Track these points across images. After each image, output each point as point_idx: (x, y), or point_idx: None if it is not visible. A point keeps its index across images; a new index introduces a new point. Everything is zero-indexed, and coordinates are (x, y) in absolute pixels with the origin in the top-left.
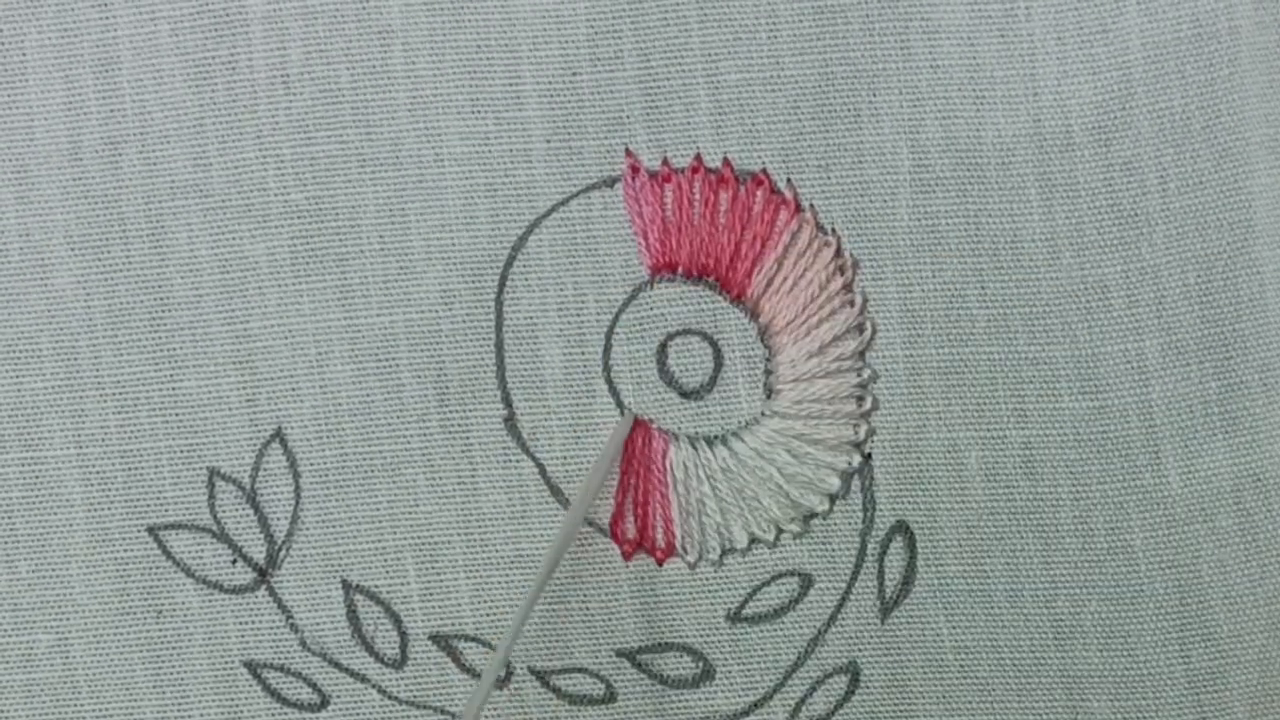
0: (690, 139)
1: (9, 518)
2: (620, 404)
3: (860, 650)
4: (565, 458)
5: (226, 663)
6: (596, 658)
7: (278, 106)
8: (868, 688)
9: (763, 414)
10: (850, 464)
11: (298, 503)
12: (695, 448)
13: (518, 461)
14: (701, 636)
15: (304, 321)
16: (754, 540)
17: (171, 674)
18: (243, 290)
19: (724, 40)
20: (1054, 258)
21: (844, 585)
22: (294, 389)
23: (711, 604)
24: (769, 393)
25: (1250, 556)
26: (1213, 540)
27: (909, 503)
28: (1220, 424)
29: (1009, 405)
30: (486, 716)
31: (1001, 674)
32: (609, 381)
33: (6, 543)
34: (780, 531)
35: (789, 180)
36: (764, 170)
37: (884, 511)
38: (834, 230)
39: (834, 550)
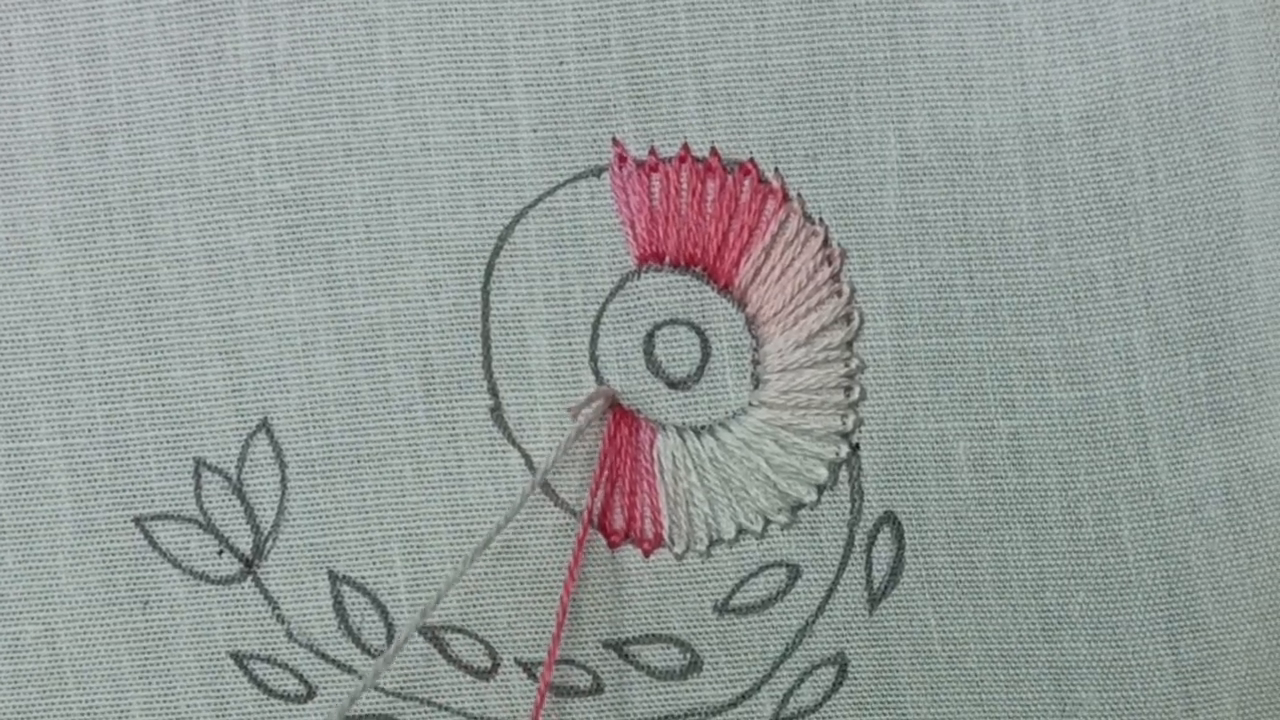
0: (677, 128)
1: None
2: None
3: (848, 641)
4: (552, 448)
5: (213, 654)
6: (583, 649)
7: (264, 96)
8: (855, 679)
9: (750, 404)
10: (838, 454)
11: (284, 493)
12: (683, 438)
13: (504, 452)
14: (689, 628)
15: (290, 311)
16: (741, 531)
17: (158, 665)
18: (229, 280)
19: (711, 29)
20: (1042, 248)
21: (832, 576)
22: (280, 379)
23: (699, 595)
24: (756, 383)
25: (1239, 547)
26: (1201, 531)
27: (897, 493)
28: (1209, 414)
29: (997, 395)
30: (479, 709)
31: (989, 664)
32: (596, 372)
33: None
34: (768, 522)
35: (776, 170)
36: (751, 160)
37: (872, 502)
38: (821, 220)
39: (822, 541)
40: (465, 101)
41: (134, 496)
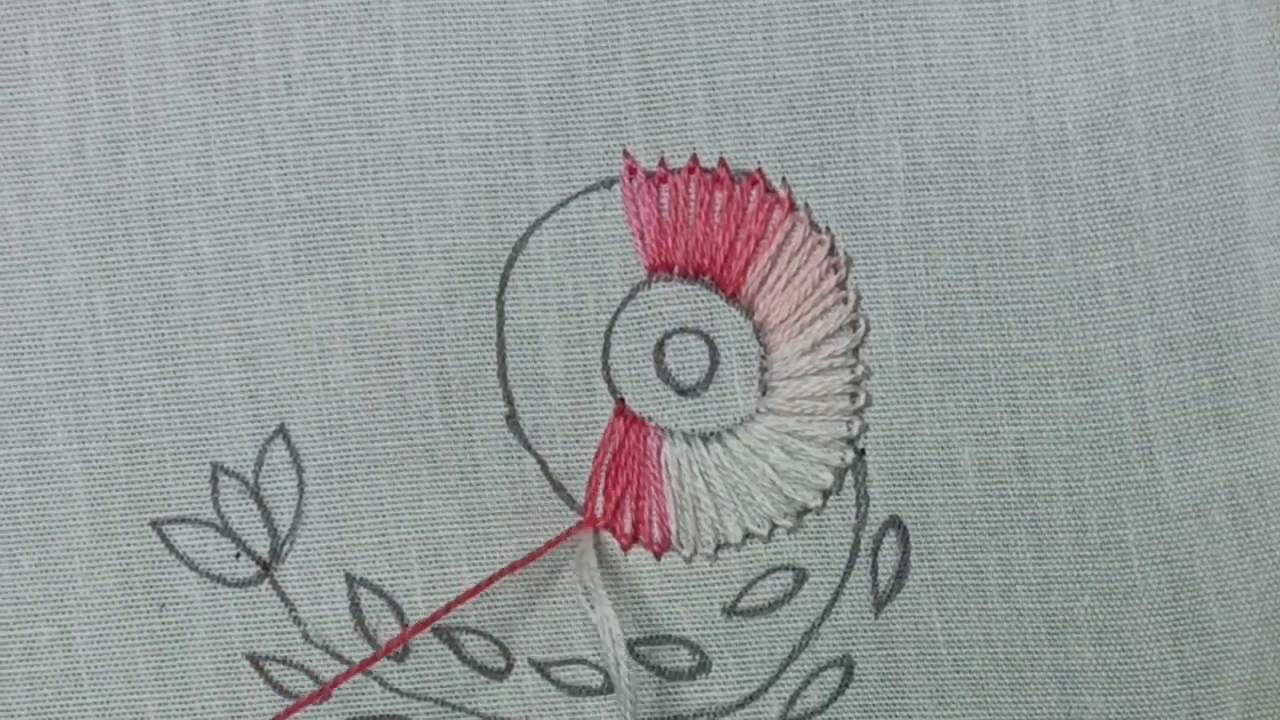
0: (686, 139)
1: (12, 512)
2: (620, 400)
3: (854, 644)
4: (566, 454)
5: (229, 656)
6: (596, 649)
7: (280, 106)
8: (861, 681)
9: (757, 411)
10: (844, 460)
11: (301, 497)
12: (690, 444)
13: (519, 458)
14: (698, 629)
15: (306, 319)
16: (748, 535)
17: (174, 667)
18: (245, 288)
19: (720, 41)
20: (1047, 255)
21: (838, 580)
22: (297, 386)
23: (707, 597)
24: (764, 390)
25: (1244, 552)
26: (1206, 536)
27: (902, 498)
28: (1213, 420)
29: (1002, 401)
30: (493, 709)
31: (995, 668)
32: (608, 379)
33: (9, 537)
34: (774, 527)
35: (784, 179)
36: (759, 170)
37: (877, 507)
38: (828, 228)
39: (828, 545)
40: (479, 114)
41: (151, 500)
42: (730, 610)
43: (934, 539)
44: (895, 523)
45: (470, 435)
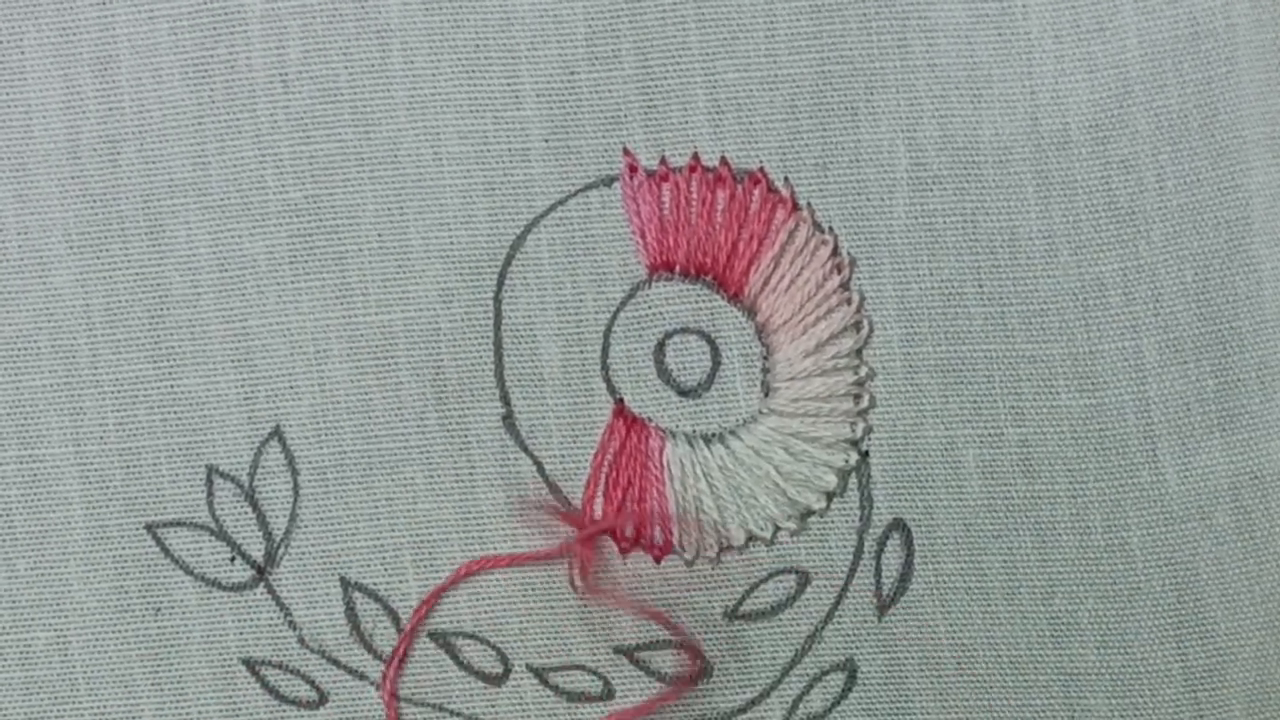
0: (688, 138)
1: (7, 516)
2: (618, 400)
3: (857, 648)
4: (563, 455)
5: (225, 660)
6: (594, 655)
7: (276, 105)
8: (865, 685)
9: (760, 412)
10: (847, 462)
11: (296, 500)
12: (692, 445)
13: (516, 459)
14: (699, 633)
15: (302, 320)
16: (751, 538)
17: (170, 672)
18: (241, 288)
19: (721, 39)
20: (1051, 256)
21: (841, 583)
22: (292, 387)
23: (709, 601)
24: (766, 391)
25: (1248, 554)
26: (1210, 538)
27: (906, 500)
28: (1217, 421)
29: (1006, 403)
30: (491, 715)
31: (999, 672)
32: (607, 380)
33: (5, 541)
34: (777, 529)
35: (786, 179)
36: (761, 169)
37: (881, 509)
38: (831, 229)
39: (831, 548)
40: (477, 111)
41: (146, 504)
42: (732, 614)
43: (938, 541)
44: (899, 525)
45: (466, 436)
